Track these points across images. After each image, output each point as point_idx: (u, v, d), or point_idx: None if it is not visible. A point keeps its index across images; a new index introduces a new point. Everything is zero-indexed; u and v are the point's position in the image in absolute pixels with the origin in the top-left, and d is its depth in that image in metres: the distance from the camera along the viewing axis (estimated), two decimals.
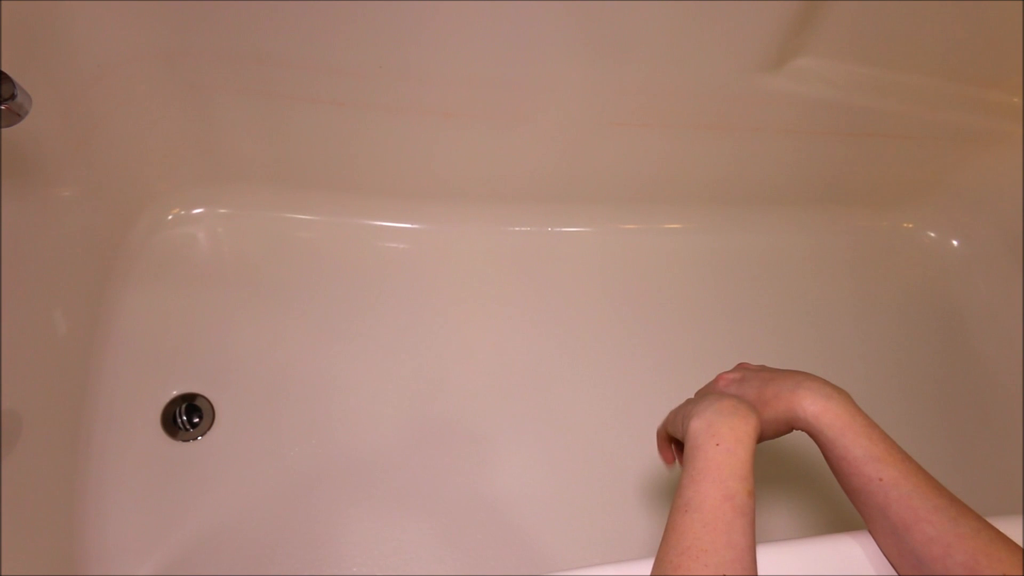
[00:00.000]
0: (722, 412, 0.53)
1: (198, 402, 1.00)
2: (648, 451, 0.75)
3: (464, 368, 1.09)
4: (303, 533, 0.95)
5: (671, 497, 1.02)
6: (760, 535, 0.49)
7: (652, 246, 1.25)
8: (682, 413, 0.57)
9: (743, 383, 0.60)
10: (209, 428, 0.98)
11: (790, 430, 0.57)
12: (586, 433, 1.07)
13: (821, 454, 0.56)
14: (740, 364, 0.66)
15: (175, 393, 1.00)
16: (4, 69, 0.60)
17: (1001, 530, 0.47)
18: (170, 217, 1.11)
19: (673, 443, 0.66)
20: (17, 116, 0.61)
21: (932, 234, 1.34)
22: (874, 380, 1.20)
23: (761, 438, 0.54)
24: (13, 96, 0.60)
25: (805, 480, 1.06)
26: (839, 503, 1.04)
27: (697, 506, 0.48)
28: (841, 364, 1.20)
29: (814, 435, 0.55)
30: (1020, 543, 0.47)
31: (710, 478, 0.49)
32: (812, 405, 0.54)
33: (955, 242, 1.32)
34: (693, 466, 0.51)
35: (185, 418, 0.98)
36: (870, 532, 0.54)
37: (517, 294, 1.17)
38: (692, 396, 0.65)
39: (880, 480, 0.51)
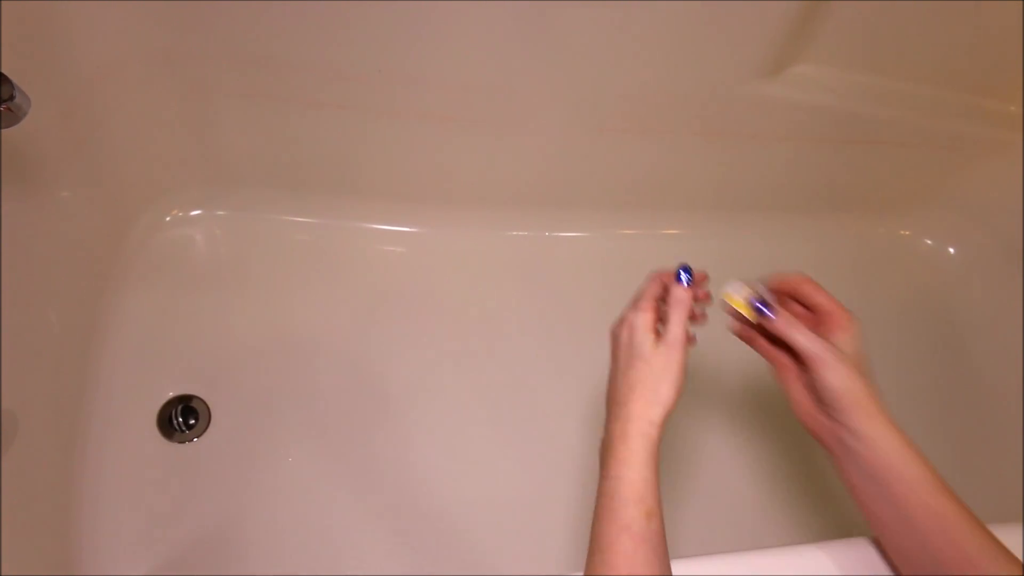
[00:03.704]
0: (610, 436, 0.51)
1: (194, 404, 0.99)
2: None
3: (461, 371, 1.09)
4: (299, 534, 0.94)
5: (676, 499, 1.02)
6: (758, 539, 0.49)
7: (650, 252, 1.25)
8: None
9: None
10: (205, 430, 0.98)
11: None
12: (584, 438, 1.07)
13: (826, 456, 0.56)
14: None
15: (171, 395, 0.99)
16: (3, 70, 0.60)
17: (1000, 538, 0.47)
18: (168, 218, 1.11)
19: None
20: (16, 117, 0.61)
21: (929, 242, 1.34)
22: None
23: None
24: (12, 97, 0.60)
25: (806, 482, 1.06)
26: (843, 505, 1.04)
27: (598, 546, 0.47)
28: None
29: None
30: (1021, 551, 0.46)
31: (603, 512, 0.48)
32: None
33: (952, 250, 1.33)
34: (597, 502, 0.50)
35: (181, 420, 0.98)
36: None
37: (514, 299, 1.17)
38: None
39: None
